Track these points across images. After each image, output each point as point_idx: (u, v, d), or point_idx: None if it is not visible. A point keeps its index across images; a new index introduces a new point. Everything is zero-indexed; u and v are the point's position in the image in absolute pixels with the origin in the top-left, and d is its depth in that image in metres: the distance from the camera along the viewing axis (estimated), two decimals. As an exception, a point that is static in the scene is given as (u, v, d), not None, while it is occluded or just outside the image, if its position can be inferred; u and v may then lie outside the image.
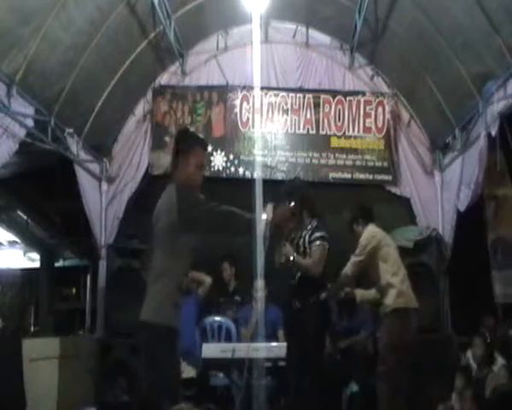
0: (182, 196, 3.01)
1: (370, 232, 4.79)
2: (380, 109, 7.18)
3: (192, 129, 7.16)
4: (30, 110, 5.24)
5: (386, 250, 4.68)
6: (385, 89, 7.27)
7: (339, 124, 7.20)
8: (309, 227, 4.58)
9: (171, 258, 3.08)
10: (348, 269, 4.69)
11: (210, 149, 7.17)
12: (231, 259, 6.24)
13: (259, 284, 5.51)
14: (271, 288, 5.55)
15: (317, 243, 4.47)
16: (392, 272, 4.62)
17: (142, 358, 3.13)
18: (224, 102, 7.26)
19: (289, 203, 3.90)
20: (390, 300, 4.54)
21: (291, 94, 7.24)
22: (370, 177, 7.13)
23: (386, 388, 4.42)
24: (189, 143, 3.21)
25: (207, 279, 5.73)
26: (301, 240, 4.55)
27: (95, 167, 6.94)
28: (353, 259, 4.70)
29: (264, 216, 2.93)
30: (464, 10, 5.02)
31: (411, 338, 4.48)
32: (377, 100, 7.20)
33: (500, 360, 5.17)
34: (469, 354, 5.46)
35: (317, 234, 4.50)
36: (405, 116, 7.24)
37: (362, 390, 5.20)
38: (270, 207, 2.98)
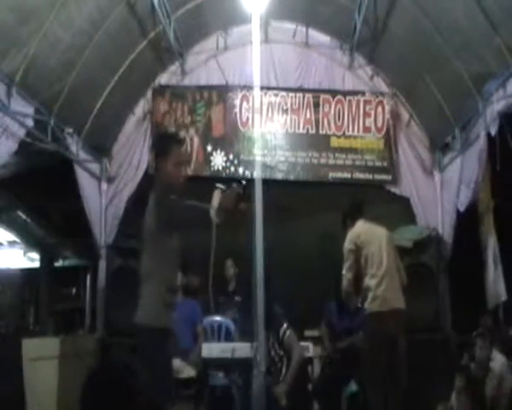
0: (157, 200, 3.13)
1: (350, 234, 4.73)
2: (379, 109, 7.18)
3: (192, 129, 7.21)
4: (30, 110, 5.24)
5: (367, 251, 4.58)
6: (384, 89, 7.27)
7: (338, 124, 7.20)
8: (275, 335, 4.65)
9: (156, 260, 3.16)
10: (344, 281, 4.69)
11: (210, 148, 7.20)
12: (235, 258, 6.24)
13: (259, 285, 5.49)
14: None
15: (286, 335, 4.56)
16: (371, 275, 4.53)
17: (138, 360, 3.19)
18: (224, 102, 7.27)
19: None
20: (367, 303, 4.53)
21: (291, 94, 7.25)
22: (370, 177, 7.14)
23: (369, 390, 4.44)
24: (163, 144, 3.32)
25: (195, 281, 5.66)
26: (272, 351, 4.58)
27: (94, 167, 6.94)
28: (344, 267, 4.70)
29: (213, 202, 2.93)
30: (464, 10, 5.02)
31: (389, 341, 4.40)
32: (377, 100, 7.20)
33: (500, 360, 5.17)
34: (468, 355, 5.45)
35: (282, 330, 4.59)
36: (405, 116, 7.24)
37: (362, 390, 5.19)
38: (217, 192, 2.97)
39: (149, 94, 7.31)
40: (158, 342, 3.05)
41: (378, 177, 7.15)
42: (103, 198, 7.08)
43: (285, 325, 4.61)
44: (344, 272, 4.69)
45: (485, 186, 5.97)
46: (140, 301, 3.15)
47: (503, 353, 5.19)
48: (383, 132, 7.17)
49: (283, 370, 4.51)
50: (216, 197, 2.94)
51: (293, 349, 4.57)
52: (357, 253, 4.61)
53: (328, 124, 7.21)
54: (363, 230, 4.75)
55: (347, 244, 4.68)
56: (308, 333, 5.84)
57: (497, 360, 5.10)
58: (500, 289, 5.91)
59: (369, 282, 4.52)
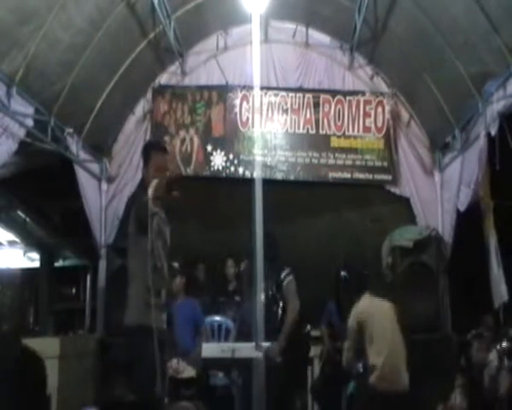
0: (137, 205, 3.30)
1: (354, 311, 4.61)
2: (379, 109, 7.18)
3: (192, 129, 7.21)
4: (30, 110, 5.24)
5: (371, 327, 4.45)
6: (385, 89, 7.27)
7: (338, 124, 7.20)
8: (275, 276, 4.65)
9: (136, 261, 3.30)
10: (344, 359, 4.65)
11: (210, 148, 7.20)
12: (236, 258, 6.24)
13: (259, 285, 5.48)
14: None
15: (286, 280, 4.59)
16: (377, 352, 4.38)
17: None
18: (224, 102, 7.26)
19: None
20: (372, 379, 4.39)
21: (291, 94, 7.24)
22: (370, 177, 7.13)
23: None
24: (147, 152, 3.50)
25: None
26: (270, 291, 4.58)
27: (95, 167, 6.94)
28: (345, 345, 4.66)
29: (149, 193, 3.02)
30: (464, 10, 5.02)
31: None
32: (377, 100, 7.20)
33: (499, 361, 5.17)
34: (464, 356, 5.45)
35: (284, 273, 4.62)
36: (405, 116, 7.24)
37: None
38: (152, 183, 3.03)
39: (149, 94, 7.30)
40: (142, 342, 3.11)
41: (378, 177, 7.14)
42: (103, 198, 7.07)
43: (287, 270, 4.55)
44: (345, 349, 4.64)
45: (484, 186, 5.98)
46: (127, 302, 3.30)
47: (502, 353, 5.19)
48: (383, 132, 7.16)
49: (279, 313, 4.48)
50: (151, 188, 3.02)
51: (288, 302, 4.53)
52: (361, 330, 4.50)
53: (328, 124, 7.20)
54: (366, 305, 4.62)
55: (350, 322, 4.59)
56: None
57: (497, 360, 5.11)
58: (502, 290, 5.91)
59: (375, 360, 4.38)
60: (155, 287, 3.22)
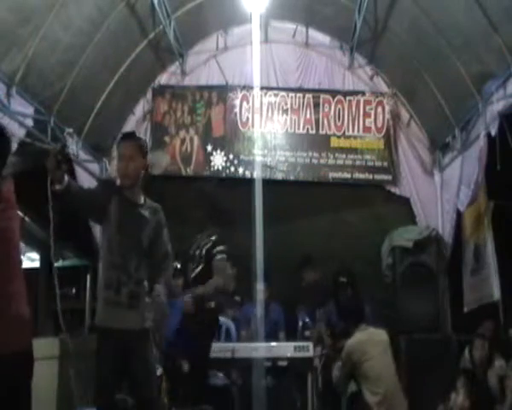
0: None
1: (349, 345, 4.51)
2: (379, 109, 7.18)
3: (192, 129, 7.21)
4: (29, 110, 5.24)
5: (366, 365, 4.36)
6: (385, 89, 7.27)
7: (338, 124, 7.20)
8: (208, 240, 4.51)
9: (101, 256, 3.17)
10: (336, 381, 4.59)
11: (210, 148, 7.20)
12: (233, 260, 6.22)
13: (259, 285, 5.49)
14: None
15: (219, 257, 4.45)
16: (371, 391, 4.31)
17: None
18: (224, 102, 7.26)
19: None
20: None
21: (291, 94, 7.24)
22: (370, 177, 7.13)
23: None
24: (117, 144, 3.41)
25: None
26: (198, 251, 4.47)
27: (94, 167, 6.93)
28: (339, 372, 4.59)
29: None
30: (464, 10, 5.02)
31: None
32: (377, 100, 7.20)
33: (500, 361, 5.16)
34: (469, 354, 5.45)
35: (218, 248, 4.48)
36: (405, 116, 7.24)
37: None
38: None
39: (149, 94, 7.31)
40: (101, 342, 3.02)
41: (378, 177, 7.14)
42: (103, 198, 7.06)
43: (222, 247, 4.39)
44: (338, 376, 4.55)
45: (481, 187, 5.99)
46: None
47: (503, 354, 5.19)
48: (383, 132, 7.16)
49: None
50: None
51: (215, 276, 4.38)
52: (353, 368, 4.43)
53: (328, 124, 7.20)
54: (362, 341, 4.53)
55: (344, 357, 4.52)
56: (308, 333, 5.84)
57: (498, 360, 5.10)
58: (490, 290, 5.93)
59: (371, 399, 4.32)
60: (114, 284, 3.03)
